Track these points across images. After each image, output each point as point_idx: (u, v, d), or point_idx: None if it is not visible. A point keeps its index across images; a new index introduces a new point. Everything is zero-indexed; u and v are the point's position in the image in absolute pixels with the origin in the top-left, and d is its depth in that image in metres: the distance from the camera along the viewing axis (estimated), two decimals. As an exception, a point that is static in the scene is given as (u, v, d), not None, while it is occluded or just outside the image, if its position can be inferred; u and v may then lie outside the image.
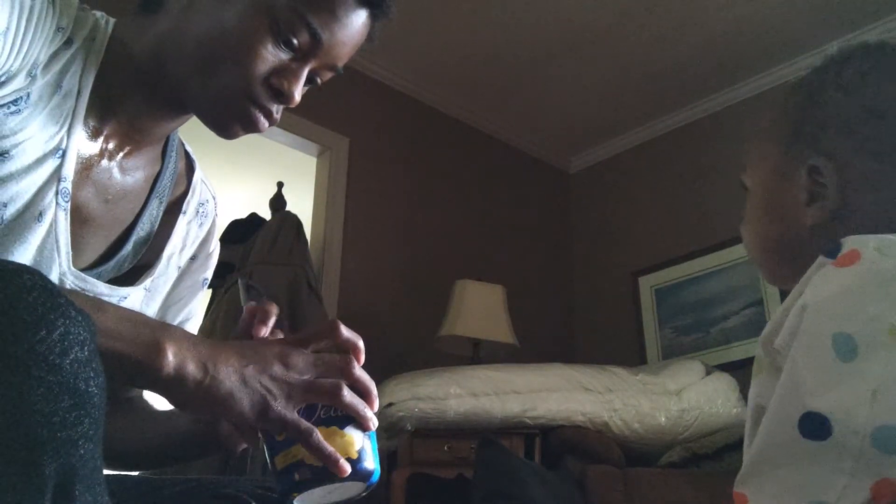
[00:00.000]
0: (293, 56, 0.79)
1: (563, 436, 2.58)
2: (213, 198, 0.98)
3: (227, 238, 3.09)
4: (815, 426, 0.56)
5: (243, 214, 3.38)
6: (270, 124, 0.82)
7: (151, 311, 0.91)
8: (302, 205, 3.36)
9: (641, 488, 2.38)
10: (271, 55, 0.78)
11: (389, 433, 2.57)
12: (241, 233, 3.19)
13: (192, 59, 0.78)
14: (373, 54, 3.51)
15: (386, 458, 2.61)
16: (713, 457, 2.53)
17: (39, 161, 0.73)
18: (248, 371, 0.66)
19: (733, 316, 3.42)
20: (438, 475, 2.61)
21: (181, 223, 0.92)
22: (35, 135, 0.73)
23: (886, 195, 0.72)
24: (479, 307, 3.17)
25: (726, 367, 3.01)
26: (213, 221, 0.98)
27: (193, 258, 0.95)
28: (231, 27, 0.77)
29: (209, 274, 0.99)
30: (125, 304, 0.85)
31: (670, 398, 2.69)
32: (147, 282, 0.88)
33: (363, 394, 0.71)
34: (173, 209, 0.92)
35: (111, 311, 0.64)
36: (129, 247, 0.85)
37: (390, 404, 2.55)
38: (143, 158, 0.86)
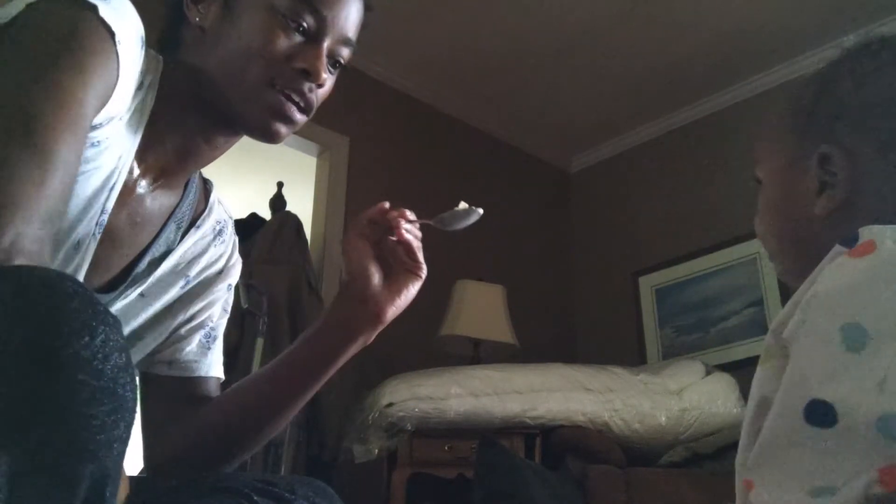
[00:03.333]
0: (306, 39, 0.86)
1: (564, 436, 2.58)
2: (230, 218, 1.05)
3: (226, 238, 3.09)
4: (820, 414, 0.56)
5: (243, 214, 3.37)
6: (306, 111, 0.87)
7: (149, 314, 0.93)
8: (302, 205, 3.36)
9: (642, 488, 2.38)
10: (286, 42, 0.84)
11: (389, 433, 2.56)
12: (241, 233, 3.16)
13: (224, 79, 0.84)
14: (373, 53, 3.51)
15: (386, 458, 2.61)
16: (714, 456, 2.53)
17: (96, 193, 0.78)
18: None
19: (733, 316, 3.42)
20: (438, 475, 2.60)
21: (192, 236, 0.96)
22: (100, 166, 0.78)
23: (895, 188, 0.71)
24: (479, 307, 3.17)
25: (726, 367, 3.01)
26: (234, 243, 1.05)
27: (220, 272, 1.01)
28: (244, 34, 0.84)
29: (233, 280, 1.05)
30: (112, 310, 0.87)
31: (671, 398, 2.69)
32: (138, 289, 0.91)
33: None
34: (189, 225, 0.96)
35: None
36: (143, 265, 0.89)
37: (390, 404, 2.54)
38: (171, 188, 0.91)
